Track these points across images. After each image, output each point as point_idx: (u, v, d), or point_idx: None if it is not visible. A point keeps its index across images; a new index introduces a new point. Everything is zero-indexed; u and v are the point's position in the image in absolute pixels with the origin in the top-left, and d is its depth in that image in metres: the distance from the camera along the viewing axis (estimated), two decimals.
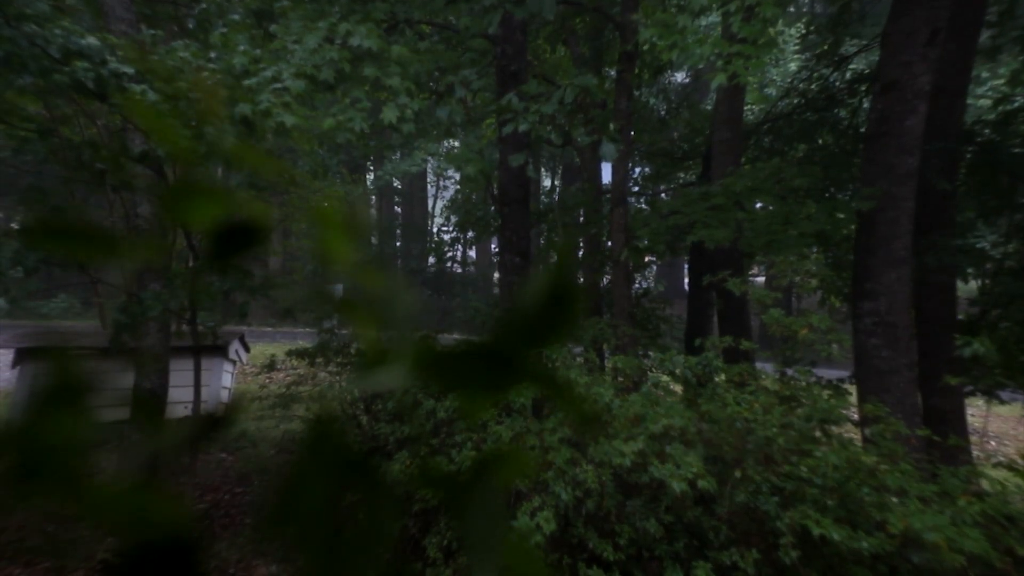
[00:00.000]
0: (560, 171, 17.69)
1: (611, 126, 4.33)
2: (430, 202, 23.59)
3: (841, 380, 4.11)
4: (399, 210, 23.19)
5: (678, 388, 3.55)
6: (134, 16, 4.36)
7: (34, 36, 2.59)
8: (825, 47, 7.60)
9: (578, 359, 4.03)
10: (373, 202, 21.04)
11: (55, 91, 2.94)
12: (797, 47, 12.14)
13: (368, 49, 3.78)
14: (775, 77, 13.62)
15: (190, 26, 5.13)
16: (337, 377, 4.85)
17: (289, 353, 4.95)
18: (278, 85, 3.23)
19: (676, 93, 11.70)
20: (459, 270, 20.43)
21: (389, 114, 3.87)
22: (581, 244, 7.84)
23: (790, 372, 3.29)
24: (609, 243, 5.61)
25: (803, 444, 2.76)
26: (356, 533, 0.37)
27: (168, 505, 0.28)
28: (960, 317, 5.11)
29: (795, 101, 7.92)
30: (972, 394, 5.05)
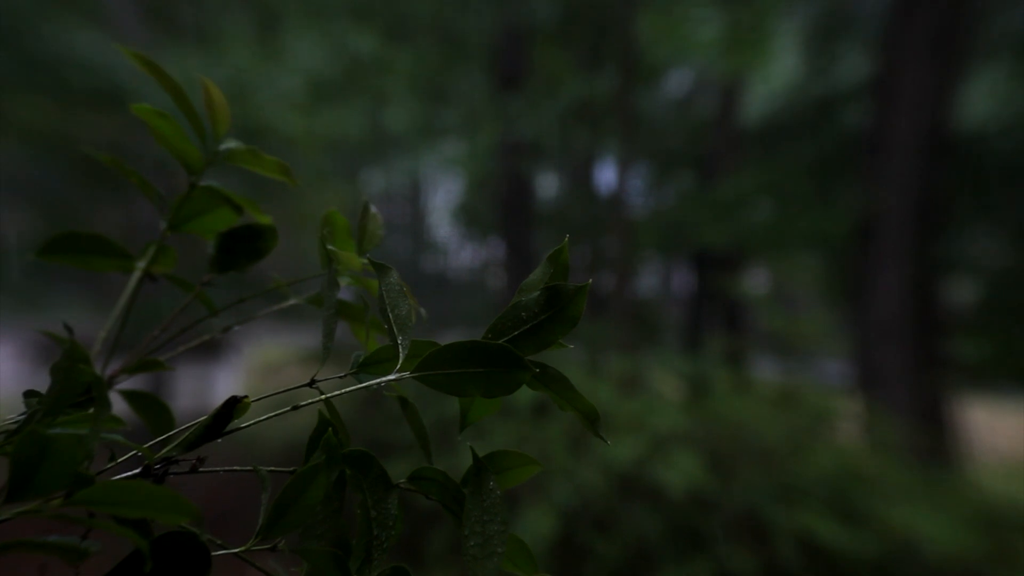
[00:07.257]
0: (561, 173, 17.67)
1: (612, 129, 4.35)
2: (430, 203, 23.63)
3: (840, 380, 4.12)
4: (399, 211, 23.22)
5: (678, 389, 3.56)
6: (137, 21, 4.38)
7: (46, 47, 2.62)
8: (822, 53, 7.61)
9: (578, 360, 4.05)
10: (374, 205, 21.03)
11: (66, 100, 2.96)
12: (794, 51, 12.09)
13: (369, 58, 3.80)
14: (771, 79, 13.57)
15: (194, 33, 5.16)
16: (340, 378, 4.86)
17: (292, 354, 4.96)
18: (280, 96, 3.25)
19: (676, 95, 11.68)
20: (459, 271, 20.43)
21: (396, 121, 3.89)
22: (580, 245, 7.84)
23: (790, 372, 3.31)
24: (609, 244, 5.63)
25: (802, 444, 2.78)
26: (359, 533, 0.37)
27: (174, 504, 0.28)
28: (958, 318, 5.12)
29: (793, 105, 7.92)
30: (970, 394, 5.05)
